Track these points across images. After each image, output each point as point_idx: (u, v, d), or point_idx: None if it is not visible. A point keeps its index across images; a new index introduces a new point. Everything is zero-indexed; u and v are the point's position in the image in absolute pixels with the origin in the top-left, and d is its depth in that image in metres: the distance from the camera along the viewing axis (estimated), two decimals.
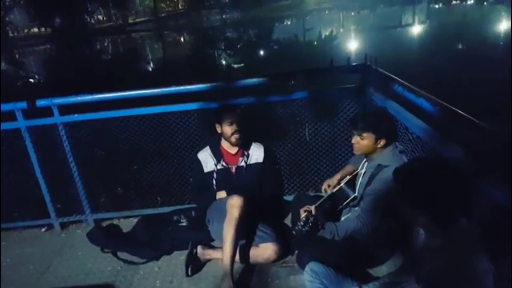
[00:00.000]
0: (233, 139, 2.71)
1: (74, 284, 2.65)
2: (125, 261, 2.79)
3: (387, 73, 2.47)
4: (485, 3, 28.11)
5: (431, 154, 1.90)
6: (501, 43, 13.61)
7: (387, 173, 2.11)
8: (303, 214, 2.24)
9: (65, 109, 2.98)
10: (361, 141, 2.19)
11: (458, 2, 32.26)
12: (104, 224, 3.30)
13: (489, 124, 1.42)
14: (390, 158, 2.16)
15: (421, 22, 23.21)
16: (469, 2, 31.14)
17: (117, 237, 3.08)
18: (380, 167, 2.18)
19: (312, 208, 2.26)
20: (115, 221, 3.34)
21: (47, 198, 3.19)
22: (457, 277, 1.35)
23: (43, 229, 3.35)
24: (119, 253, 2.88)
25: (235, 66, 11.16)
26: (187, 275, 2.54)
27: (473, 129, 1.49)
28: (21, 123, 2.95)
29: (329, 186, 2.60)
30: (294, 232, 2.30)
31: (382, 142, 2.17)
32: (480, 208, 1.47)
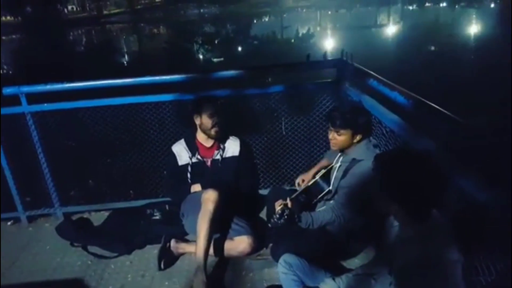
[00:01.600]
0: (213, 131, 2.68)
1: (42, 279, 2.55)
2: (95, 255, 2.72)
3: (362, 68, 2.49)
4: (456, 7, 29.02)
5: (405, 147, 1.93)
6: (473, 44, 14.07)
7: (361, 167, 2.15)
8: (278, 207, 2.24)
9: (34, 99, 2.88)
10: (338, 137, 2.23)
11: (431, 4, 33.15)
12: (74, 217, 3.20)
13: (463, 118, 1.44)
14: (364, 153, 2.19)
15: (395, 23, 23.73)
16: (442, 5, 32.06)
17: (88, 231, 2.99)
18: (354, 161, 2.21)
19: (288, 201, 2.27)
20: (86, 215, 3.25)
21: (13, 190, 3.07)
22: (428, 268, 1.37)
23: (9, 223, 3.22)
24: (89, 247, 2.80)
25: (215, 60, 11.14)
26: (160, 269, 2.49)
27: (446, 123, 1.51)
28: None
29: (303, 181, 2.62)
30: (270, 225, 2.31)
31: (358, 137, 2.21)
32: (453, 201, 1.50)
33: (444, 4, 31.72)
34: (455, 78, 7.60)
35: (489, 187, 1.31)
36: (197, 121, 2.71)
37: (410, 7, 32.65)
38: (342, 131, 2.19)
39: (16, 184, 3.06)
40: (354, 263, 2.38)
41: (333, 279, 1.93)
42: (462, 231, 1.43)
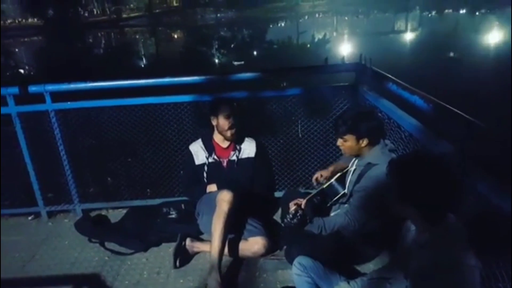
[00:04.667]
0: (228, 133, 2.71)
1: (60, 273, 2.61)
2: (112, 251, 2.77)
3: (381, 71, 2.49)
4: (477, 13, 28.54)
5: (420, 151, 1.92)
6: (493, 53, 13.80)
7: (376, 171, 2.14)
8: (292, 208, 2.26)
9: (57, 97, 2.96)
10: (345, 143, 2.25)
11: (450, 11, 32.69)
12: (92, 214, 3.27)
13: (484, 122, 1.43)
14: (379, 157, 2.18)
15: (413, 29, 23.49)
16: (461, 12, 31.57)
17: (105, 227, 3.05)
18: (369, 165, 2.21)
19: (302, 202, 2.28)
20: (104, 212, 3.31)
21: (35, 186, 3.15)
22: (444, 273, 1.36)
23: (30, 217, 3.30)
24: (106, 244, 2.85)
25: (236, 63, 11.25)
26: (175, 267, 2.53)
27: (467, 127, 1.50)
28: (12, 108, 2.91)
29: (321, 176, 2.60)
30: (283, 225, 2.32)
31: (365, 142, 2.20)
32: (470, 205, 1.48)
33: (464, 11, 31.26)
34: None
35: (508, 192, 1.29)
36: (214, 122, 2.74)
37: (429, 14, 32.28)
38: (345, 137, 2.21)
39: (38, 180, 3.14)
40: (368, 267, 2.37)
41: (348, 282, 1.92)
42: (480, 237, 1.42)
